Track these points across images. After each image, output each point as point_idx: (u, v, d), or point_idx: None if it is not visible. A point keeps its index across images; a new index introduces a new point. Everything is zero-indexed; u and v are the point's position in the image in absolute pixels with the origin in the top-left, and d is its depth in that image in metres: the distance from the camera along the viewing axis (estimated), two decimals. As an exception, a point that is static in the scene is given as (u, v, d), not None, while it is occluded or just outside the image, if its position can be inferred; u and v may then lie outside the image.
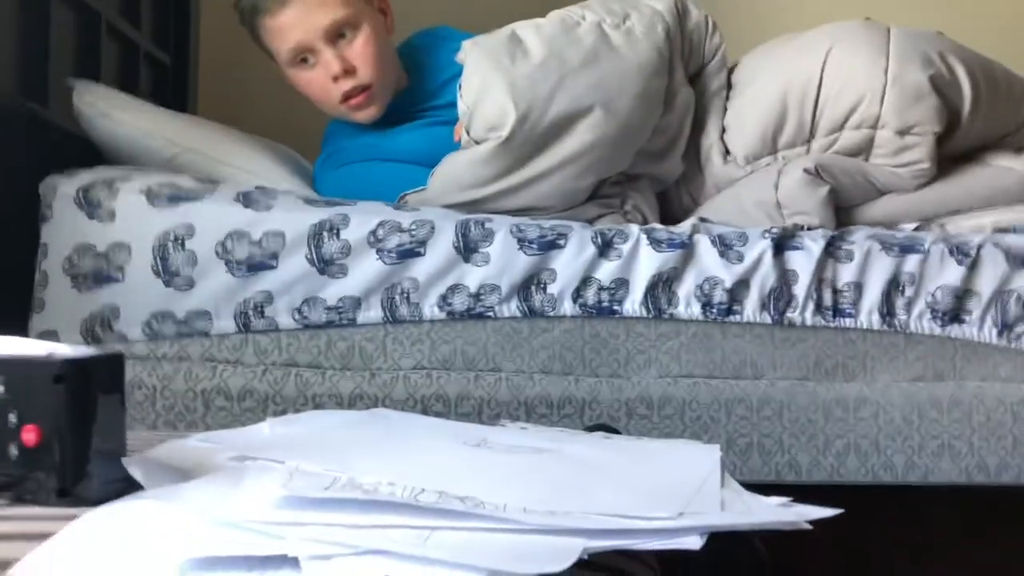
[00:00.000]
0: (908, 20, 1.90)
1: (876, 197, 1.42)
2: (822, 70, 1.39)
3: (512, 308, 1.25)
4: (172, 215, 1.21)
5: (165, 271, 1.20)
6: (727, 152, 1.48)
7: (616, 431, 0.95)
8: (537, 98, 1.31)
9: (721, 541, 0.57)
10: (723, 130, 1.49)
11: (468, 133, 1.33)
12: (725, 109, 1.50)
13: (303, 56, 1.41)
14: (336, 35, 1.40)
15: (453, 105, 1.41)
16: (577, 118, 1.33)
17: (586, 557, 0.51)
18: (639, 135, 1.40)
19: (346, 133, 1.52)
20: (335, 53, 1.39)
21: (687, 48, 1.48)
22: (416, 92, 1.53)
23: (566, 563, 0.48)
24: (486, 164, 1.32)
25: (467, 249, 1.24)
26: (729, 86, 1.52)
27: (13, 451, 0.58)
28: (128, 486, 0.59)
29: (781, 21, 2.39)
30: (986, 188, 1.40)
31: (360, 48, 1.40)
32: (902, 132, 1.36)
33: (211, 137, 1.45)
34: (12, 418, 0.58)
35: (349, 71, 1.40)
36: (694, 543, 0.52)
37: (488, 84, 1.31)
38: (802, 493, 0.65)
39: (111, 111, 1.36)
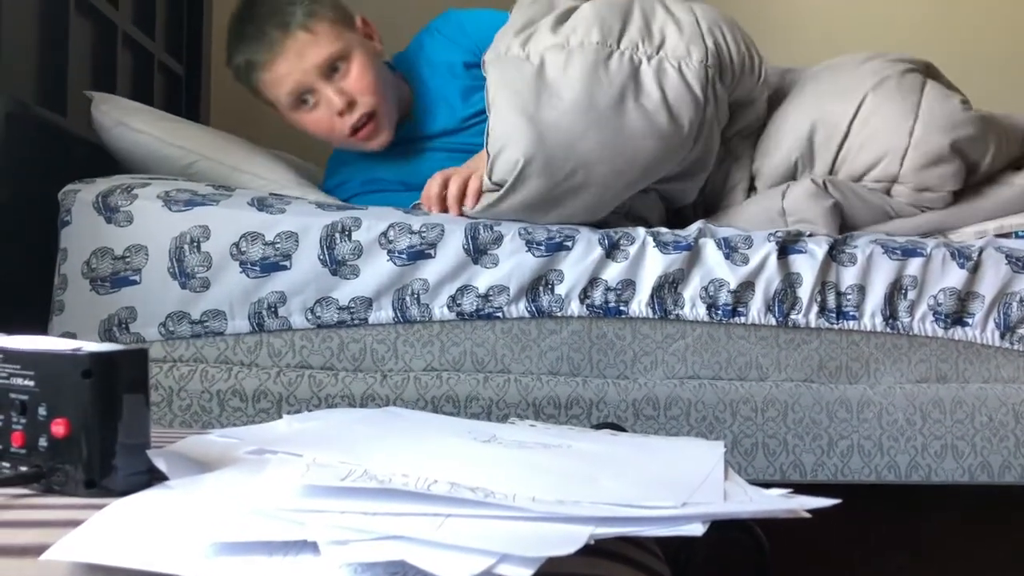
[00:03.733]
0: (910, 13, 1.91)
1: (885, 220, 1.44)
2: (851, 122, 1.41)
3: (520, 309, 1.27)
4: (188, 218, 1.23)
5: (181, 273, 1.23)
6: (751, 189, 1.50)
7: (623, 429, 0.97)
8: (554, 158, 1.27)
9: (723, 530, 0.59)
10: (752, 176, 1.50)
11: (490, 178, 1.30)
12: (755, 147, 1.50)
13: (303, 98, 1.43)
14: (330, 70, 1.41)
15: (459, 131, 1.44)
16: (591, 180, 1.30)
17: (592, 543, 0.52)
18: (652, 178, 1.39)
19: (354, 164, 1.51)
20: (334, 88, 1.41)
21: (729, 79, 1.41)
22: (420, 116, 1.51)
23: (573, 547, 0.50)
24: (498, 207, 1.31)
25: (476, 251, 1.27)
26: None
27: (43, 443, 0.60)
28: (152, 478, 0.61)
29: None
30: (995, 206, 1.44)
31: (356, 78, 1.41)
32: (920, 190, 1.41)
33: (226, 146, 1.47)
34: (42, 411, 0.60)
35: (351, 103, 1.41)
36: (696, 530, 0.54)
37: (511, 134, 1.28)
38: (806, 492, 0.67)
39: (128, 120, 1.38)
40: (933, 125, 1.38)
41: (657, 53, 1.34)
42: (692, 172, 1.44)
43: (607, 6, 1.38)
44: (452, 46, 1.55)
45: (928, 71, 1.46)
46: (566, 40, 1.33)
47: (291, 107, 1.44)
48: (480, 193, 1.32)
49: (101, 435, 0.59)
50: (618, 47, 1.34)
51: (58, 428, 0.59)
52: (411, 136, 1.52)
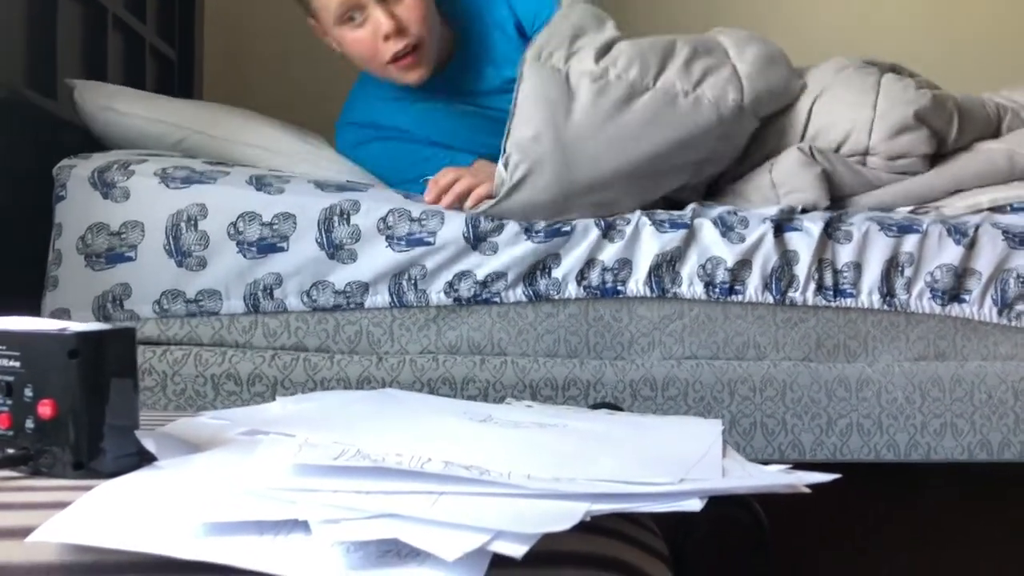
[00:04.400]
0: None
1: (870, 189, 1.44)
2: (811, 107, 1.45)
3: (518, 293, 1.26)
4: (185, 195, 1.22)
5: (177, 251, 1.22)
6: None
7: (620, 409, 0.96)
8: (571, 174, 1.28)
9: (722, 507, 0.58)
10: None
11: (505, 169, 1.29)
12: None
13: (351, 14, 1.37)
14: None
15: (497, 93, 1.44)
16: (605, 199, 1.32)
17: (588, 519, 0.52)
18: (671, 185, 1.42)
19: (381, 106, 1.48)
20: (385, 11, 1.36)
21: (764, 112, 1.46)
22: (461, 68, 1.50)
23: (569, 524, 0.49)
24: (500, 206, 1.29)
25: (476, 239, 1.26)
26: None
27: (29, 424, 0.59)
28: (141, 460, 0.60)
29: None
30: (976, 168, 1.44)
31: (411, 6, 1.38)
32: (892, 158, 1.41)
33: (216, 117, 1.44)
34: (28, 392, 0.59)
35: (401, 30, 1.37)
36: (694, 506, 0.53)
37: (533, 147, 1.29)
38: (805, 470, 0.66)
39: (113, 104, 1.36)
40: (894, 99, 1.42)
41: (694, 90, 1.37)
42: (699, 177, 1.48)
43: (650, 45, 1.40)
44: (503, 3, 1.53)
45: (892, 69, 1.51)
46: (605, 70, 1.35)
47: (337, 20, 1.38)
48: (482, 200, 1.29)
49: (89, 416, 0.58)
50: (654, 84, 1.36)
51: (45, 409, 0.58)
52: (446, 87, 1.49)
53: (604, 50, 1.38)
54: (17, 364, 0.59)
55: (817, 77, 1.50)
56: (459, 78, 1.50)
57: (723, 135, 1.40)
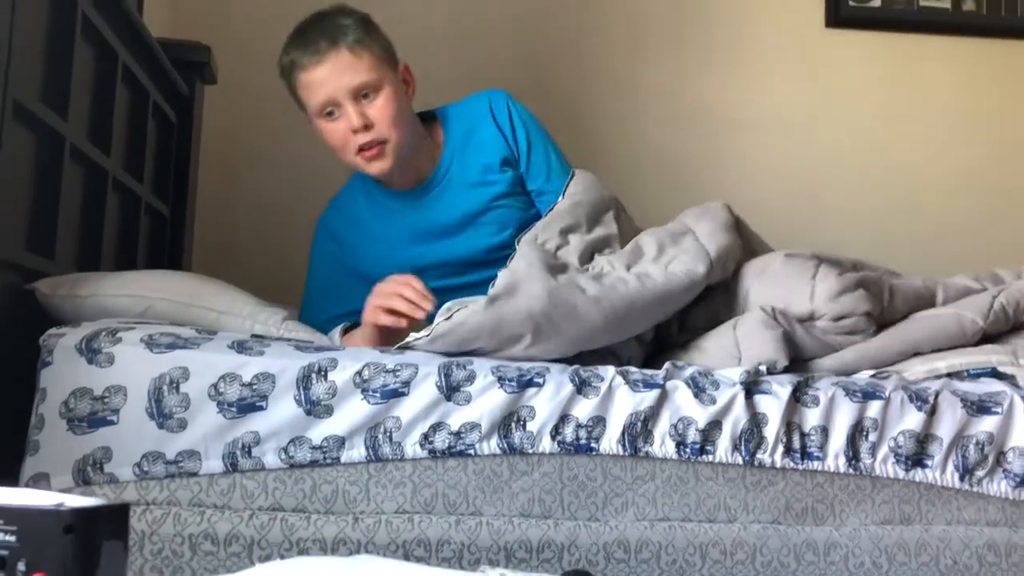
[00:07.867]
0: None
1: (829, 352, 1.50)
2: (748, 287, 1.58)
3: (492, 446, 1.29)
4: (168, 359, 1.25)
5: (159, 413, 1.24)
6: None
7: (592, 576, 0.97)
8: (562, 299, 1.39)
9: None
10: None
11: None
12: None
13: (330, 109, 1.61)
14: (360, 94, 1.60)
15: (454, 233, 1.65)
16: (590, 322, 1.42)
17: None
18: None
19: (354, 205, 1.74)
20: (357, 109, 1.60)
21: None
22: (436, 186, 1.71)
23: None
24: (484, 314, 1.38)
25: (449, 388, 1.29)
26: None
27: (20, 599, 0.61)
28: (126, 633, 0.62)
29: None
30: (927, 331, 1.52)
31: (380, 107, 1.61)
32: (838, 318, 1.50)
33: (173, 284, 1.49)
34: (21, 567, 0.61)
35: (368, 126, 1.60)
36: None
37: (531, 268, 1.42)
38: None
39: (75, 291, 1.39)
40: (831, 274, 1.52)
41: (666, 269, 1.52)
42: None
43: (630, 250, 1.57)
44: (497, 142, 1.73)
45: (853, 264, 1.63)
46: (587, 269, 1.52)
47: (316, 113, 1.62)
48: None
49: (79, 590, 0.60)
50: (625, 271, 1.50)
51: (36, 584, 0.60)
52: (418, 202, 1.71)
53: (587, 255, 1.55)
54: (12, 539, 0.61)
55: (763, 261, 1.61)
56: (432, 198, 1.71)
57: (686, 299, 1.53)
